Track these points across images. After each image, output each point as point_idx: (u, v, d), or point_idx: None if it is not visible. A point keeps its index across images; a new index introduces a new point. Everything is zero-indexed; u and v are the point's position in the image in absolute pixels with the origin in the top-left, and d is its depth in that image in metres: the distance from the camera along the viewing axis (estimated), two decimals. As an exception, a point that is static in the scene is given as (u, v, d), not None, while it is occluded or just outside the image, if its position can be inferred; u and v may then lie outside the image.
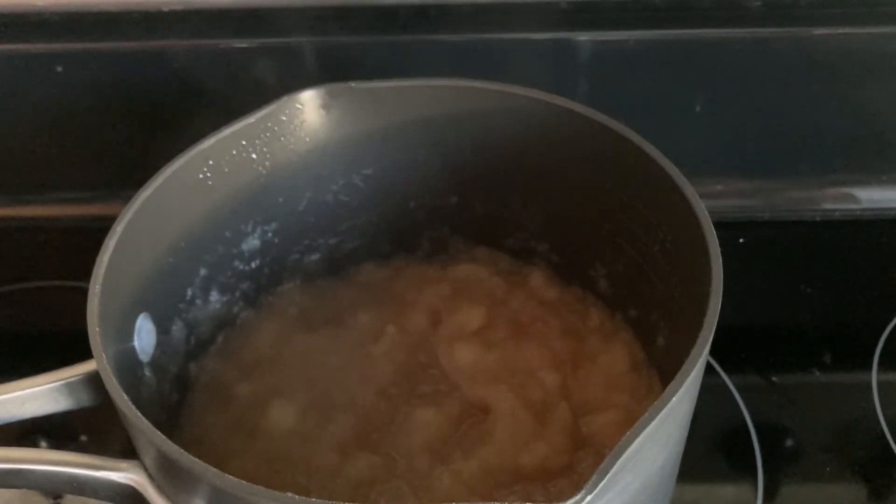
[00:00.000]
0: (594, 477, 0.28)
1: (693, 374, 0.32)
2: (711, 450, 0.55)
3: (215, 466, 0.47)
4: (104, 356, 0.35)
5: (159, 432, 0.32)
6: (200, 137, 0.47)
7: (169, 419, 0.47)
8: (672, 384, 0.31)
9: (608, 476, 0.29)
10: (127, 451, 0.37)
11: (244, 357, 0.53)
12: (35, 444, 0.54)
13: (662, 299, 0.46)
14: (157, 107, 0.66)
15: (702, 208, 0.38)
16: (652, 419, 0.30)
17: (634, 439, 0.29)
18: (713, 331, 0.33)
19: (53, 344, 0.61)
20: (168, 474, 0.34)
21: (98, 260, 0.39)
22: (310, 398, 0.50)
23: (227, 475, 0.30)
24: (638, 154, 0.44)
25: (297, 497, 0.29)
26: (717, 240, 0.36)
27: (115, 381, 0.34)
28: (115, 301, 0.41)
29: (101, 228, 0.41)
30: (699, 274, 0.37)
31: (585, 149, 0.48)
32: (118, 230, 0.40)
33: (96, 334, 0.35)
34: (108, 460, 0.36)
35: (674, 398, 0.31)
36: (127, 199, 0.43)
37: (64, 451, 0.35)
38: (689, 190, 0.39)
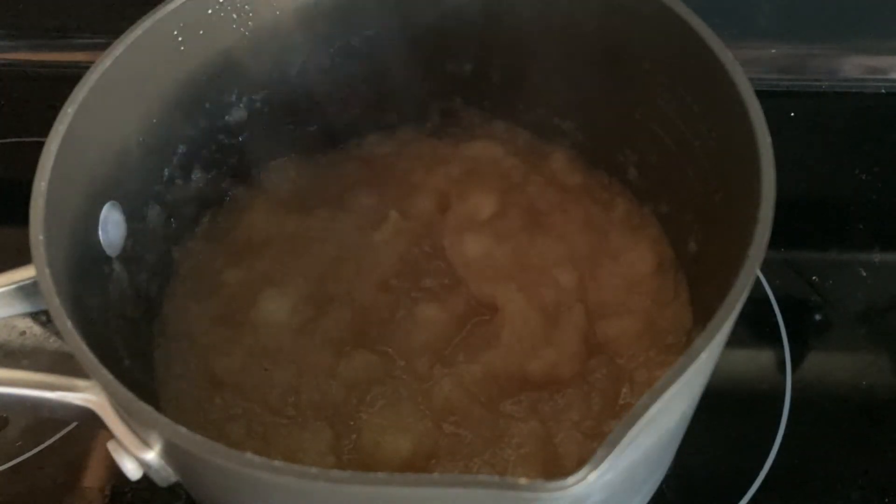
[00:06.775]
0: (599, 451, 0.24)
1: (726, 326, 0.27)
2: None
3: (200, 363, 0.44)
4: (46, 269, 0.30)
5: (103, 368, 0.28)
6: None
7: (147, 312, 0.44)
8: (701, 338, 0.26)
9: (617, 449, 0.24)
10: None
11: (233, 239, 0.48)
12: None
13: (699, 199, 0.40)
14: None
15: (758, 113, 0.31)
16: (674, 380, 0.25)
17: (651, 405, 0.25)
18: (755, 273, 0.28)
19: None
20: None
21: (45, 150, 0.34)
22: (304, 289, 0.46)
23: (179, 427, 0.26)
24: (681, 27, 0.37)
25: (246, 455, 0.25)
26: (772, 156, 0.30)
27: (55, 297, 0.29)
28: (72, 193, 0.36)
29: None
30: (745, 187, 0.31)
31: (618, 16, 0.41)
32: (69, 112, 0.35)
33: (39, 243, 0.31)
34: (62, 379, 0.32)
35: (703, 353, 0.26)
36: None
37: (14, 369, 0.32)
38: (745, 85, 0.32)
